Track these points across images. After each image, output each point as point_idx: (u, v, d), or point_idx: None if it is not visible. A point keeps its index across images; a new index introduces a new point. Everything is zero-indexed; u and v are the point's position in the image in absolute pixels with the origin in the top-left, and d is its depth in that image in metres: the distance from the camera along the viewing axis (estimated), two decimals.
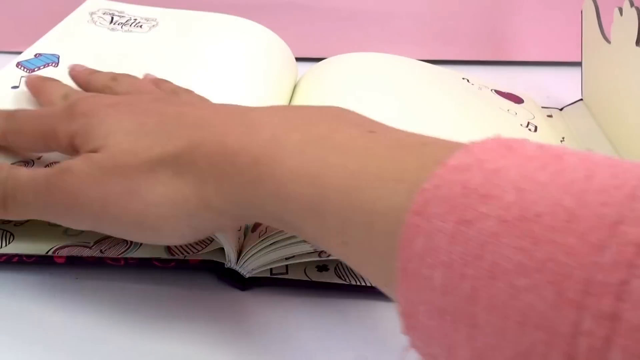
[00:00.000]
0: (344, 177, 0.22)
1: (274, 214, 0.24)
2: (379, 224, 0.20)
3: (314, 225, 0.23)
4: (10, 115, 0.32)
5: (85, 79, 0.37)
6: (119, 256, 0.32)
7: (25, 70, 0.43)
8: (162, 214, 0.26)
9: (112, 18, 0.52)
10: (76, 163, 0.27)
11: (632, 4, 0.38)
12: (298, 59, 0.52)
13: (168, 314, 0.32)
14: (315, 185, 0.22)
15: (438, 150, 0.20)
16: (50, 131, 0.30)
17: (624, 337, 0.13)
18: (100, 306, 0.32)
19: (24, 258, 0.33)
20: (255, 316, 0.32)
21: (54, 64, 0.44)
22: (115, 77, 0.36)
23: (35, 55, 0.45)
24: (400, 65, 0.52)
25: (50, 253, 0.33)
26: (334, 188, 0.22)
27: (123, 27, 0.50)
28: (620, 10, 0.40)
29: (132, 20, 0.52)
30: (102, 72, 0.38)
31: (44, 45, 0.46)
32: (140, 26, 0.51)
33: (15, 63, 0.43)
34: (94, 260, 0.33)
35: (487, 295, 0.16)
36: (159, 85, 0.36)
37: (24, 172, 0.28)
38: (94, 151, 0.27)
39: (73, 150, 0.29)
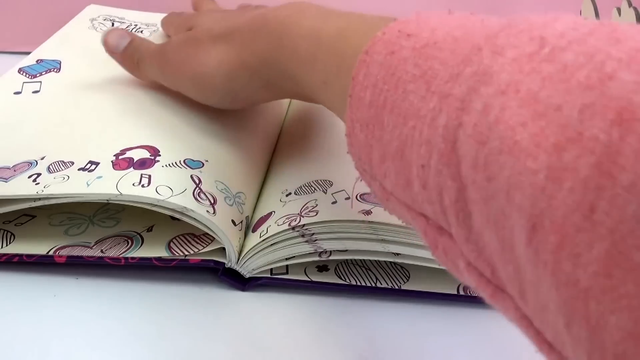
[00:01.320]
0: (334, 32, 0.27)
1: (287, 68, 0.30)
2: (346, 64, 0.25)
3: (307, 71, 0.28)
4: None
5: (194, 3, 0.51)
6: (120, 256, 0.32)
7: (27, 76, 0.43)
8: (207, 73, 0.34)
9: (113, 24, 0.53)
10: (176, 36, 0.38)
11: (630, 4, 0.38)
12: None
13: (168, 314, 0.32)
14: (313, 37, 0.28)
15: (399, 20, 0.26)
16: (184, 23, 0.43)
17: (469, 116, 0.17)
18: (101, 306, 0.32)
19: (25, 258, 0.33)
20: (256, 316, 0.32)
21: (55, 70, 0.44)
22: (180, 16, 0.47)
23: (37, 61, 0.45)
24: None
25: (50, 253, 0.33)
26: (325, 40, 0.27)
27: None
28: (619, 10, 0.40)
29: (133, 26, 0.53)
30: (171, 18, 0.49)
31: (45, 51, 0.47)
32: (141, 32, 0.52)
33: (17, 69, 0.43)
34: (94, 260, 0.33)
35: (391, 101, 0.21)
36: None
37: (150, 44, 0.39)
38: (190, 29, 0.39)
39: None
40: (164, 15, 0.53)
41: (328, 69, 0.27)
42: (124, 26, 0.53)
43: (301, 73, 0.29)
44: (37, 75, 0.43)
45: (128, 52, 0.40)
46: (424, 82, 0.20)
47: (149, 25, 0.53)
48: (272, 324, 0.32)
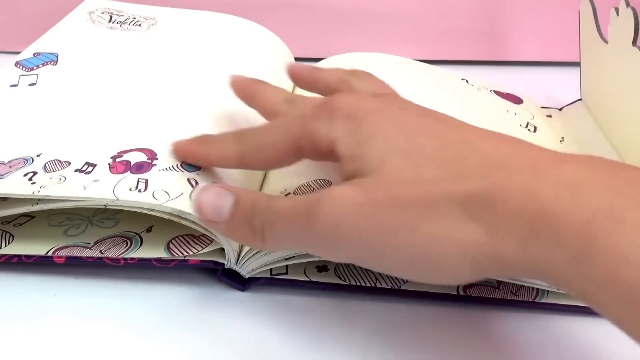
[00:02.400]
0: None
1: (583, 292, 0.21)
2: None
3: (620, 310, 0.20)
4: (241, 134, 0.31)
5: (311, 75, 0.35)
6: (119, 256, 0.32)
7: (24, 69, 0.42)
8: (445, 254, 0.23)
9: (111, 17, 0.52)
10: (342, 190, 0.25)
11: (628, 4, 0.38)
12: (298, 59, 0.52)
13: (168, 314, 0.32)
14: None
15: None
16: (305, 135, 0.27)
17: None
18: (100, 306, 0.32)
19: (24, 258, 0.33)
20: (255, 316, 0.32)
21: (52, 62, 0.44)
22: (354, 72, 0.33)
23: (34, 54, 0.44)
24: (398, 67, 0.52)
25: (50, 253, 0.33)
26: None
27: (122, 25, 0.50)
28: (617, 10, 0.40)
29: (131, 19, 0.52)
30: (329, 69, 0.35)
31: (42, 44, 0.46)
32: (139, 25, 0.51)
33: (14, 62, 0.43)
34: (93, 260, 0.33)
35: None
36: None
37: (285, 201, 0.27)
38: (363, 174, 0.25)
39: (332, 157, 0.27)
40: (163, 8, 0.52)
41: None
42: (121, 19, 0.52)
43: (625, 318, 0.20)
44: (34, 68, 0.43)
45: (240, 218, 0.28)
46: None
47: (147, 18, 0.53)
48: (272, 324, 0.32)
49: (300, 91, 0.40)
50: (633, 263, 0.19)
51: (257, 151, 0.30)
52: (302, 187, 0.35)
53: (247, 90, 0.35)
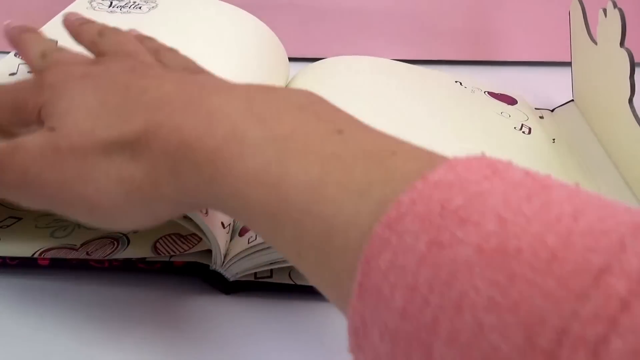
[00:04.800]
0: (304, 186, 0.20)
1: (233, 211, 0.23)
2: (337, 239, 0.19)
3: (270, 232, 0.22)
4: None
5: (75, 29, 0.35)
6: (105, 257, 0.33)
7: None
8: (114, 201, 0.24)
9: (111, 2, 0.52)
10: (30, 140, 0.25)
11: (615, 5, 0.38)
12: (297, 59, 0.52)
13: (152, 317, 0.32)
14: (273, 193, 0.21)
15: (408, 161, 0.20)
16: (21, 103, 0.28)
17: None
18: (100, 307, 0.32)
19: (7, 260, 0.33)
20: (240, 320, 0.32)
21: None
22: (102, 31, 0.33)
23: None
24: (393, 69, 0.52)
25: (36, 255, 0.33)
26: (292, 198, 0.20)
27: (122, 9, 0.50)
28: (605, 11, 0.40)
29: (132, 3, 0.52)
30: (93, 22, 0.35)
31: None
32: (139, 8, 0.51)
33: (14, 53, 0.43)
34: (77, 262, 0.33)
35: (449, 327, 0.15)
36: (143, 42, 0.34)
37: None
38: (52, 129, 0.26)
39: (39, 118, 0.27)
40: None
41: (304, 240, 0.20)
42: (121, 4, 0.52)
43: (260, 230, 0.22)
44: None
45: None
46: (517, 324, 0.14)
47: (147, 1, 0.53)
48: (257, 328, 0.32)
49: None
50: (247, 182, 0.21)
51: None
52: None
53: (14, 39, 0.34)
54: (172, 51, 0.34)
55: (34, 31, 0.34)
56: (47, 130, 0.26)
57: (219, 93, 0.24)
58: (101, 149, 0.24)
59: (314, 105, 0.24)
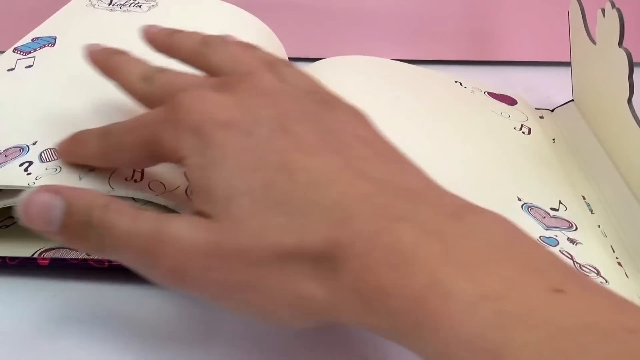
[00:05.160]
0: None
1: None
2: None
3: None
4: (105, 132, 0.28)
5: (166, 42, 0.32)
6: (104, 258, 0.32)
7: (21, 53, 0.42)
8: (291, 313, 0.22)
9: (111, 0, 0.51)
10: (187, 230, 0.22)
11: (613, 5, 0.38)
12: (297, 59, 0.52)
13: (152, 317, 0.32)
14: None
15: None
16: (154, 142, 0.25)
17: None
18: (100, 307, 0.32)
19: (7, 260, 0.33)
20: (240, 320, 0.31)
21: (50, 45, 0.43)
22: (205, 40, 0.30)
23: (32, 40, 0.44)
24: (392, 70, 0.52)
25: (35, 255, 0.33)
26: None
27: (122, 7, 0.50)
28: (603, 11, 0.40)
29: (132, 1, 0.52)
30: (184, 32, 0.32)
31: (41, 30, 0.46)
32: (140, 6, 0.51)
33: (13, 49, 0.43)
34: (77, 262, 0.33)
35: None
36: (250, 52, 0.30)
37: (124, 221, 0.23)
38: (209, 214, 0.23)
39: (181, 165, 0.25)
40: None
41: None
42: (121, 2, 0.51)
43: None
44: (32, 51, 0.43)
45: (74, 230, 0.25)
46: None
47: (147, 0, 0.53)
48: (257, 328, 0.31)
49: None
50: (459, 344, 0.18)
51: (118, 151, 0.28)
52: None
53: (104, 63, 0.31)
54: (290, 66, 0.30)
55: (122, 53, 0.31)
56: (203, 218, 0.23)
57: (405, 221, 0.21)
58: (277, 258, 0.21)
59: (518, 245, 0.21)
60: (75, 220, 0.24)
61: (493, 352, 0.18)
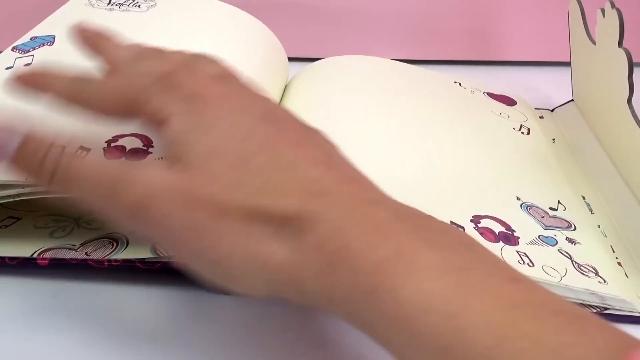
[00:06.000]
0: (487, 328, 0.18)
1: (384, 336, 0.21)
2: None
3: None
4: (85, 77, 0.29)
5: (95, 41, 0.33)
6: (104, 258, 0.33)
7: (20, 52, 0.42)
8: (243, 271, 0.22)
9: (110, 0, 0.51)
10: (160, 174, 0.23)
11: (613, 5, 0.38)
12: (297, 59, 0.52)
13: (152, 317, 0.32)
14: (450, 325, 0.19)
15: (600, 330, 0.18)
16: (139, 100, 0.26)
17: None
18: (100, 307, 0.32)
19: (7, 260, 0.33)
20: (240, 320, 0.32)
21: (49, 44, 0.44)
22: (140, 53, 0.30)
23: (30, 39, 0.44)
24: (392, 70, 0.52)
25: (35, 255, 0.33)
26: (472, 337, 0.18)
27: (121, 7, 0.50)
28: (603, 11, 0.40)
29: (131, 1, 0.52)
30: (118, 44, 0.32)
31: (40, 29, 0.46)
32: (139, 6, 0.51)
33: (12, 47, 0.43)
34: (77, 262, 0.33)
35: None
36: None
37: (91, 161, 0.24)
38: (185, 166, 0.23)
39: (159, 127, 0.25)
40: None
41: None
42: (120, 1, 0.51)
43: (413, 357, 0.20)
44: (30, 50, 0.43)
45: (25, 163, 0.26)
46: None
47: (146, 0, 0.53)
48: (268, 324, 0.32)
49: None
50: (418, 305, 0.19)
51: (95, 94, 0.28)
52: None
53: (93, 41, 0.32)
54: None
55: (109, 34, 0.32)
56: (179, 165, 0.23)
57: (379, 204, 0.23)
58: (245, 214, 0.22)
59: (478, 247, 0.22)
60: (29, 152, 0.25)
61: (452, 315, 0.19)
